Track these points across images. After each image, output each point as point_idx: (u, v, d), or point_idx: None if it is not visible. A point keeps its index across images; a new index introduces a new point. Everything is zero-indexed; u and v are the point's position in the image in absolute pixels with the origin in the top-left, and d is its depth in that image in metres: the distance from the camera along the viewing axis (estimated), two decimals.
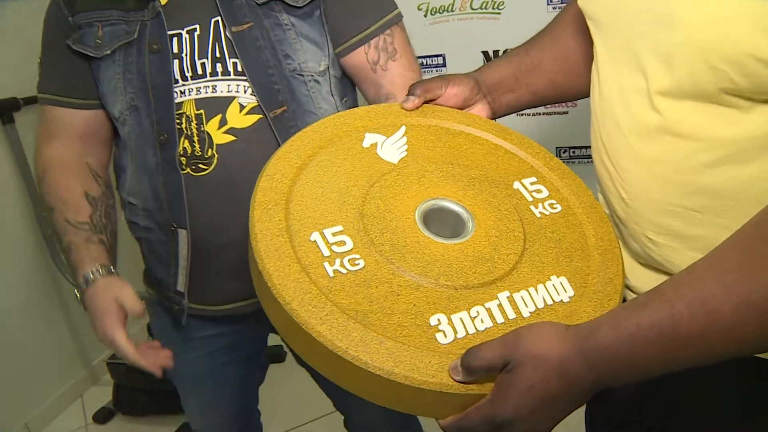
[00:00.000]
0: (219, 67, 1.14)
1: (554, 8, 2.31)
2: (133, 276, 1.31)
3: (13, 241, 2.41)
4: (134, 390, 2.39)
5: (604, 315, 0.65)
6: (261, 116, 1.14)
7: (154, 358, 1.14)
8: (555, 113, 2.39)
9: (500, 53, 2.41)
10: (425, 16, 2.42)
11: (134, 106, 1.17)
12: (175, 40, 1.14)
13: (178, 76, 1.14)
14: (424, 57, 2.47)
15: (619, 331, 0.61)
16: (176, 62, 1.13)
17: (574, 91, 1.03)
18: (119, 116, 1.20)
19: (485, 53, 2.43)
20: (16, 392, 2.42)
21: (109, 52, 1.16)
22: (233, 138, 1.14)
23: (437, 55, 2.47)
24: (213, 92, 1.14)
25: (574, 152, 2.39)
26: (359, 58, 1.20)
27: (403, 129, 0.94)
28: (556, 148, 2.39)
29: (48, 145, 1.26)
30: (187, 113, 1.14)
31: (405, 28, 1.25)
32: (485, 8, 2.38)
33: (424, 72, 2.48)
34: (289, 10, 1.15)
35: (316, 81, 1.19)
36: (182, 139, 1.14)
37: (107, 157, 1.31)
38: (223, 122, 1.13)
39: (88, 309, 1.16)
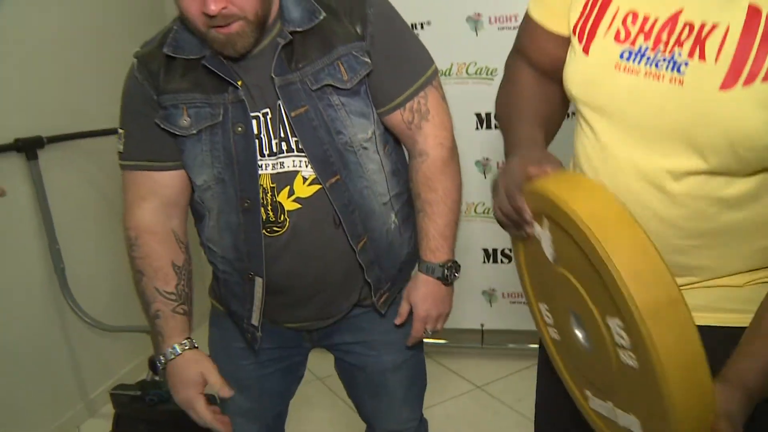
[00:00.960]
0: (284, 146, 1.30)
1: None
2: None
3: (26, 273, 2.53)
4: (136, 420, 2.47)
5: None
6: (320, 186, 1.31)
7: (225, 425, 1.35)
8: None
9: (492, 116, 2.61)
10: None
11: (221, 178, 1.32)
12: (254, 122, 1.30)
13: (258, 154, 1.30)
14: None
15: None
16: (257, 141, 1.30)
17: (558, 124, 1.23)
18: (203, 184, 1.35)
19: (478, 115, 2.63)
20: (13, 423, 2.49)
21: (195, 132, 1.31)
22: (299, 206, 1.32)
23: None
24: (282, 168, 1.31)
25: None
26: (396, 119, 1.36)
27: None
28: None
29: (139, 208, 1.38)
30: (264, 185, 1.31)
31: (440, 85, 1.40)
32: (479, 74, 2.59)
33: (474, 80, 2.64)
34: (339, 92, 1.29)
35: (365, 148, 1.35)
36: (262, 208, 1.31)
37: (186, 220, 1.45)
38: (291, 192, 1.31)
39: (170, 376, 1.35)
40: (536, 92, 1.16)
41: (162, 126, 1.31)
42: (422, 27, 2.59)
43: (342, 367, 1.62)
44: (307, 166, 1.31)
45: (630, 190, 0.95)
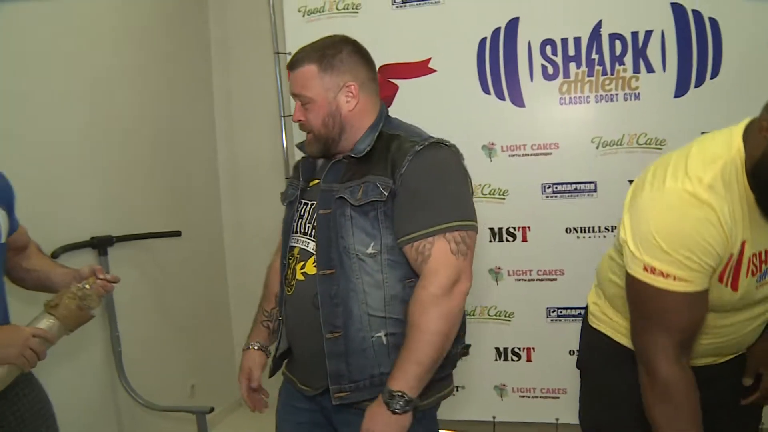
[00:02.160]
0: (312, 232, 1.69)
1: (547, 196, 2.94)
2: None
3: (88, 356, 2.84)
4: None
5: None
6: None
7: (254, 400, 1.89)
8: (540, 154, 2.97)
9: (504, 231, 3.00)
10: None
11: (282, 240, 1.83)
12: (303, 207, 1.74)
13: (297, 229, 1.74)
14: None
15: None
16: (300, 221, 1.73)
17: None
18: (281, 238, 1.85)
19: (491, 229, 3.02)
20: None
21: (286, 204, 1.84)
22: (303, 279, 1.69)
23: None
24: (306, 246, 1.70)
25: (557, 188, 2.96)
26: (407, 251, 1.59)
27: None
28: (542, 184, 2.96)
29: (274, 256, 1.97)
30: (294, 254, 1.73)
31: (458, 240, 1.55)
32: (493, 194, 2.99)
33: (488, 200, 3.03)
34: (351, 207, 1.60)
35: (361, 260, 1.60)
36: (287, 269, 1.74)
37: None
38: (303, 267, 1.69)
39: (241, 362, 1.91)
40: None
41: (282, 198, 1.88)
42: None
43: None
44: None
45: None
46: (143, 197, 3.17)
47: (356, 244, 1.60)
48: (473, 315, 3.08)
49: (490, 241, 3.02)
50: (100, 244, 2.84)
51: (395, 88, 3.06)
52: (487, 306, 3.07)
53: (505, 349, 3.09)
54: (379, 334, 1.60)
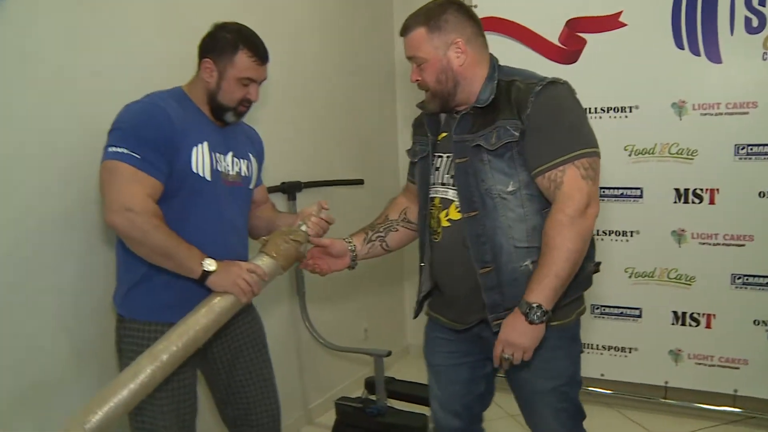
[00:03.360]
0: (451, 181, 1.84)
1: (740, 158, 2.81)
2: None
3: (276, 294, 3.05)
4: (353, 428, 2.90)
5: None
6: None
7: (314, 261, 2.02)
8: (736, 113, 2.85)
9: (690, 192, 2.91)
10: (629, 155, 2.97)
11: (419, 191, 1.96)
12: (439, 160, 1.88)
13: (435, 181, 1.88)
14: (623, 188, 3.01)
15: None
16: (436, 173, 1.88)
17: None
18: (418, 194, 2.00)
19: (677, 189, 2.93)
20: None
21: (416, 160, 1.99)
22: (450, 225, 1.83)
23: (636, 188, 2.99)
24: (446, 196, 1.85)
25: (751, 149, 2.83)
26: (540, 182, 1.72)
27: None
28: (735, 145, 2.85)
29: (402, 194, 2.17)
30: (435, 203, 1.88)
31: (587, 166, 1.68)
32: (681, 154, 2.90)
33: (623, 201, 3.01)
34: (487, 152, 1.75)
35: (503, 198, 1.75)
36: (430, 218, 1.88)
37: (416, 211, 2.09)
38: (447, 214, 1.84)
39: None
40: None
41: (408, 155, 2.06)
42: (630, 110, 2.95)
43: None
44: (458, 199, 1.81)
45: None
46: (327, 147, 3.33)
47: (497, 184, 1.74)
48: (652, 276, 3.02)
49: (675, 202, 2.94)
50: (290, 189, 3.01)
51: (583, 42, 3.01)
52: (667, 268, 3.00)
53: (684, 313, 3.00)
54: (525, 263, 1.74)
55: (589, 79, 2.96)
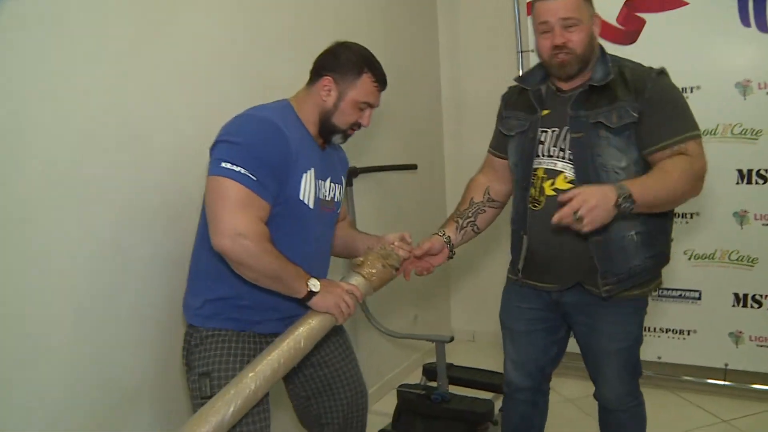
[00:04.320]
0: (560, 154, 1.92)
1: None
2: None
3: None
4: (413, 414, 2.88)
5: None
6: (574, 186, 1.87)
7: (413, 265, 2.05)
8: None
9: (754, 173, 2.87)
10: None
11: (516, 164, 2.05)
12: (543, 134, 1.96)
13: (540, 153, 1.95)
14: None
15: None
16: (540, 146, 1.95)
17: None
18: (512, 167, 2.09)
19: (740, 171, 2.89)
20: None
21: (513, 134, 2.06)
22: (555, 194, 1.88)
23: None
24: (555, 167, 1.93)
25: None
26: (656, 157, 1.83)
27: None
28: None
29: (480, 174, 2.24)
30: (537, 174, 1.95)
31: (700, 144, 1.83)
32: (744, 134, 2.86)
33: (738, 140, 2.92)
34: (607, 129, 1.85)
35: (616, 173, 1.85)
36: (531, 188, 1.95)
37: (504, 189, 2.19)
38: (552, 184, 1.93)
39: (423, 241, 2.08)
40: None
41: (501, 130, 2.12)
42: (692, 91, 2.90)
43: (576, 339, 2.10)
44: (570, 171, 1.89)
45: None
46: (380, 134, 3.28)
47: (612, 160, 1.85)
48: (713, 258, 3.00)
49: (737, 183, 2.91)
50: (348, 176, 2.96)
51: (642, 22, 2.96)
52: (728, 250, 2.97)
53: (745, 295, 2.98)
54: (631, 233, 1.87)
55: (648, 60, 2.83)
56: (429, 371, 3.06)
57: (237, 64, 2.30)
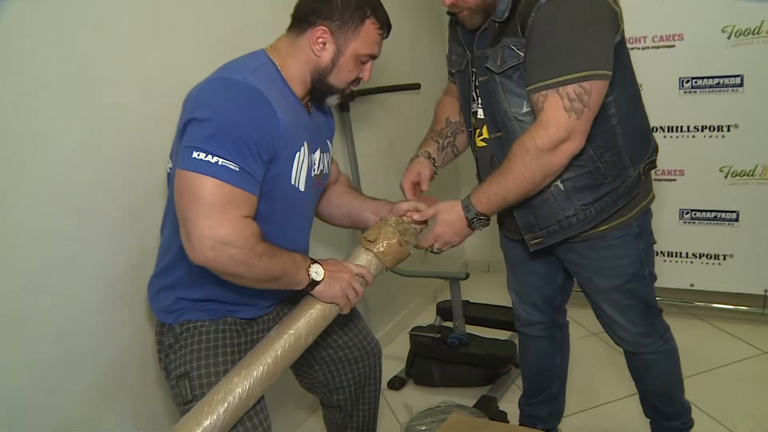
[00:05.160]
0: (478, 99, 1.72)
1: None
2: None
3: None
4: (428, 359, 2.64)
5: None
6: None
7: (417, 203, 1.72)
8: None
9: None
10: (729, 38, 2.59)
11: (462, 106, 1.84)
12: (474, 74, 1.72)
13: (475, 98, 1.74)
14: (721, 77, 2.64)
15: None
16: (476, 90, 1.73)
17: None
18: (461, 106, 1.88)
19: None
20: None
21: (453, 71, 1.84)
22: (485, 145, 1.75)
23: (735, 76, 2.62)
24: (479, 116, 1.74)
25: None
26: (531, 100, 1.57)
27: None
28: None
29: (448, 95, 1.97)
30: (473, 121, 1.77)
31: (571, 96, 1.49)
32: None
33: (720, 91, 2.65)
34: (497, 73, 1.60)
35: (520, 120, 1.61)
36: (474, 134, 1.78)
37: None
38: (480, 134, 1.76)
39: (407, 167, 1.84)
40: None
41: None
42: None
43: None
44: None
45: None
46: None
47: (511, 107, 1.61)
48: (752, 175, 2.69)
49: None
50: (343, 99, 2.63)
51: None
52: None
53: None
54: (555, 183, 1.64)
55: None
56: (443, 310, 2.82)
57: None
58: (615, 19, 1.54)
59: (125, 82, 1.68)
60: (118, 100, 1.66)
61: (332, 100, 1.57)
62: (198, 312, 1.54)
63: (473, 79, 1.72)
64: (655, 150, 1.78)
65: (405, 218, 1.67)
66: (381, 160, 2.96)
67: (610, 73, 1.51)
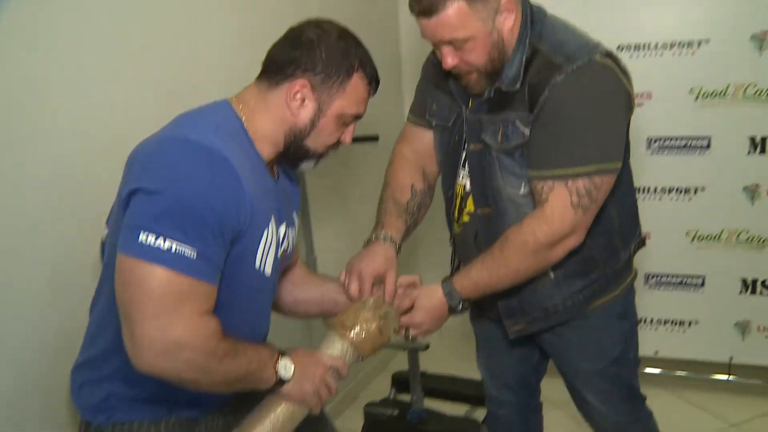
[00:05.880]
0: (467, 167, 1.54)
1: None
2: None
3: None
4: None
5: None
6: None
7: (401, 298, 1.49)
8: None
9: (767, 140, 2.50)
10: (696, 99, 2.52)
11: (441, 165, 1.65)
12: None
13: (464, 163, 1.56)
14: (689, 138, 2.56)
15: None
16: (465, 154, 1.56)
17: None
18: (438, 164, 1.67)
19: (752, 138, 2.50)
20: None
21: (434, 124, 1.63)
22: (469, 219, 1.57)
23: (703, 137, 2.55)
24: (466, 187, 1.56)
25: None
26: (532, 186, 1.43)
27: None
28: None
29: (400, 145, 1.70)
30: (458, 190, 1.59)
31: (581, 192, 1.36)
32: (759, 96, 2.47)
33: (687, 152, 2.57)
34: (493, 150, 1.45)
35: (514, 201, 1.47)
36: (454, 204, 1.61)
37: (436, 170, 1.69)
38: (464, 206, 1.57)
39: (364, 249, 1.54)
40: None
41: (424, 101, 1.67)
42: (699, 45, 2.48)
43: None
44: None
45: None
46: None
47: (507, 186, 1.47)
48: (719, 239, 2.62)
49: (749, 153, 2.52)
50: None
51: None
52: (737, 230, 2.59)
53: (754, 281, 2.63)
54: (547, 271, 1.50)
55: (645, 7, 2.54)
56: (400, 382, 2.60)
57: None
58: (629, 102, 1.41)
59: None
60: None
61: (307, 166, 1.32)
62: (134, 411, 1.25)
63: (462, 142, 1.54)
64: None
65: (382, 303, 1.44)
66: (337, 216, 2.75)
67: (621, 164, 1.39)
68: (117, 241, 1.10)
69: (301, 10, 1.97)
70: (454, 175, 1.58)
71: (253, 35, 2.00)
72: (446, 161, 1.61)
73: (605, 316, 1.59)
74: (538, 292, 1.53)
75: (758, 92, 2.46)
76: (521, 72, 1.39)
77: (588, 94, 1.35)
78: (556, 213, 1.38)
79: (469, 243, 1.59)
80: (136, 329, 1.04)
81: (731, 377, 2.75)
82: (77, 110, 1.49)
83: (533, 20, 1.42)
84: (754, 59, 2.44)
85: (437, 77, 1.59)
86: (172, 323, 1.04)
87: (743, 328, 2.67)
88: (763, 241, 2.57)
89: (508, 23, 1.39)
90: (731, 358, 2.71)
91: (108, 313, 1.21)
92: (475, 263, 1.47)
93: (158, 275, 1.03)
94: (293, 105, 1.23)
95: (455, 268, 1.70)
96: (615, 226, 1.53)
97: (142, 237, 1.04)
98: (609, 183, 1.40)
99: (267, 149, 1.26)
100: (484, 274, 1.45)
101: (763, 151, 2.51)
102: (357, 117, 1.32)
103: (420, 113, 1.68)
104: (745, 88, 2.47)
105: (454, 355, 3.00)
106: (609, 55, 1.39)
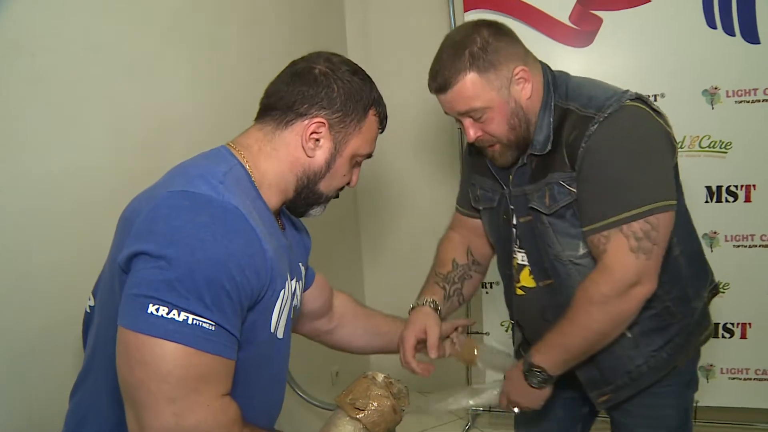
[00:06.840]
0: (518, 242, 1.56)
1: None
2: None
3: None
4: None
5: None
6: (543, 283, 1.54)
7: (422, 367, 1.52)
8: None
9: (723, 190, 2.58)
10: None
11: (495, 244, 1.69)
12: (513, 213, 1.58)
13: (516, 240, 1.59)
14: None
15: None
16: (515, 230, 1.58)
17: None
18: (493, 243, 1.71)
19: (708, 188, 2.59)
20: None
21: (482, 209, 1.68)
22: (524, 293, 1.58)
23: None
24: (520, 261, 1.58)
25: None
26: (589, 242, 1.42)
27: None
28: None
29: (449, 230, 1.80)
30: (514, 264, 1.60)
31: (638, 234, 1.34)
32: (713, 147, 2.56)
33: (706, 154, 2.60)
34: (545, 214, 1.45)
35: (576, 264, 1.45)
36: (513, 279, 1.62)
37: (486, 251, 1.76)
38: (518, 280, 1.59)
39: (409, 318, 1.59)
40: None
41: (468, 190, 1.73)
42: (655, 99, 2.56)
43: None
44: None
45: None
46: None
47: (565, 250, 1.46)
48: None
49: (706, 202, 2.60)
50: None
51: (599, 21, 2.58)
52: None
53: (716, 324, 2.68)
54: (623, 334, 1.46)
55: (605, 64, 2.60)
56: None
57: None
58: (670, 140, 1.41)
59: None
60: None
61: (316, 212, 1.25)
62: None
63: (510, 220, 1.55)
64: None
65: (393, 380, 1.36)
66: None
67: (676, 201, 1.36)
68: (112, 313, 0.99)
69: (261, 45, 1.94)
70: (510, 252, 1.59)
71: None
72: (498, 241, 1.63)
73: (671, 384, 1.56)
74: (618, 355, 1.49)
75: (712, 144, 2.56)
76: (551, 133, 1.39)
77: (625, 137, 1.36)
78: (616, 261, 1.35)
79: (536, 318, 1.57)
80: (146, 416, 0.93)
81: (697, 421, 2.78)
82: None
83: (556, 84, 1.43)
84: (706, 112, 2.54)
85: (475, 163, 1.64)
86: (190, 409, 0.93)
87: (707, 371, 2.73)
88: (723, 285, 2.64)
89: (526, 92, 1.42)
90: (697, 402, 2.74)
91: (97, 398, 1.09)
92: (549, 333, 1.45)
93: (173, 353, 0.93)
94: (308, 146, 1.15)
95: (518, 347, 1.74)
96: (684, 274, 1.49)
97: (152, 309, 0.93)
98: (667, 222, 1.36)
99: (274, 198, 1.17)
100: (560, 339, 1.43)
101: (719, 199, 2.59)
102: (368, 156, 1.26)
103: (464, 203, 1.75)
104: (700, 140, 2.56)
105: None
106: (639, 98, 1.40)
